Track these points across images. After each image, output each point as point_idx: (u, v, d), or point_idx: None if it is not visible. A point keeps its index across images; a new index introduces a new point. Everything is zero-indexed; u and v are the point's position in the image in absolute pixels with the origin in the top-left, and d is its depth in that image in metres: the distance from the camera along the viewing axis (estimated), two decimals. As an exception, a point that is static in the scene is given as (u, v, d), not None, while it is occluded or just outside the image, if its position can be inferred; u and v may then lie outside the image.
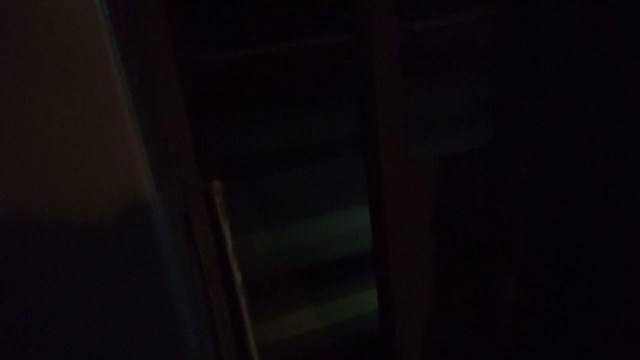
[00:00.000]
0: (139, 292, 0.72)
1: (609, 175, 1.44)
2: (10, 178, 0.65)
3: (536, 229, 1.71)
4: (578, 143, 1.51)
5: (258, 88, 4.08)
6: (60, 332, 0.71)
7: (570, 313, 1.70)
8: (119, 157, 0.67)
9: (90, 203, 0.68)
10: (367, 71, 1.37)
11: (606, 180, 1.45)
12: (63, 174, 0.67)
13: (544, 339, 1.83)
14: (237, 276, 1.02)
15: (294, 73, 4.14)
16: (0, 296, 0.69)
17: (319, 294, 2.50)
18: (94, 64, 0.63)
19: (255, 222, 2.96)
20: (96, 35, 0.62)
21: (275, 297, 2.51)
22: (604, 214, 1.48)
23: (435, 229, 1.60)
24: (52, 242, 0.68)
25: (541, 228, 1.70)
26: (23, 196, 0.65)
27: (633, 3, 1.25)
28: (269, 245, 2.79)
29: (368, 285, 2.50)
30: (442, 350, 1.78)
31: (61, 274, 0.69)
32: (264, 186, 3.40)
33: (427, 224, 1.58)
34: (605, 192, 1.47)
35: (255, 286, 2.53)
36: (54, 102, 0.63)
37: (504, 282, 1.77)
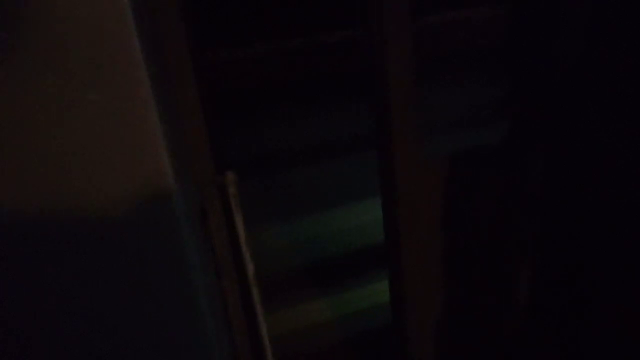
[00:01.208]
0: (160, 283, 0.72)
1: (622, 175, 1.42)
2: (29, 170, 0.65)
3: (548, 227, 1.69)
4: (592, 142, 1.49)
5: (266, 87, 4.09)
6: (79, 321, 0.71)
7: (580, 311, 1.69)
8: (142, 148, 0.66)
9: (111, 194, 0.67)
10: (380, 69, 1.36)
11: (619, 180, 1.43)
12: (85, 165, 0.66)
13: (554, 334, 1.81)
14: (250, 267, 1.02)
15: (303, 71, 4.14)
16: (14, 285, 0.69)
17: (330, 286, 2.50)
18: (119, 55, 0.62)
19: (267, 217, 2.97)
20: (122, 26, 0.61)
21: (287, 288, 2.51)
22: (618, 214, 1.46)
23: (447, 225, 1.59)
24: (72, 234, 0.68)
25: (553, 226, 1.68)
26: (43, 188, 0.65)
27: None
28: (281, 239, 2.79)
29: (379, 277, 2.50)
30: (453, 343, 1.76)
31: (81, 263, 0.69)
32: (275, 183, 3.41)
33: (439, 220, 1.57)
34: (616, 192, 1.44)
35: (269, 278, 2.53)
36: (76, 92, 0.62)
37: (515, 277, 1.75)
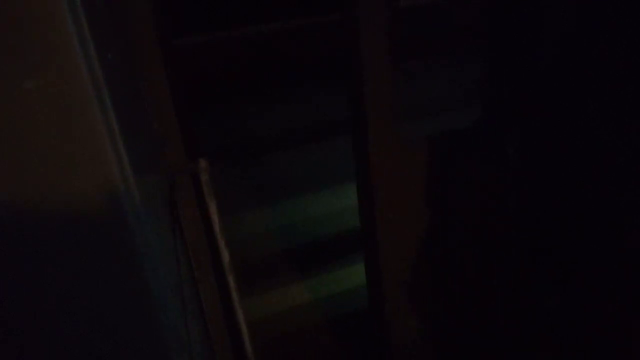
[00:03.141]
0: (111, 279, 0.66)
1: (621, 172, 1.39)
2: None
3: (524, 207, 1.67)
4: (590, 138, 1.45)
5: (239, 73, 4.02)
6: (32, 324, 0.66)
7: (562, 294, 1.67)
8: (83, 139, 0.60)
9: (53, 189, 0.61)
10: (355, 52, 1.32)
11: (617, 177, 1.40)
12: (22, 160, 0.60)
13: (533, 313, 1.81)
14: (225, 255, 0.98)
15: (278, 57, 4.06)
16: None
17: (308, 270, 2.48)
18: (53, 38, 0.56)
19: (243, 204, 2.94)
20: (55, 5, 0.55)
21: (265, 273, 2.49)
22: (617, 211, 1.43)
23: (424, 208, 1.56)
24: (12, 234, 0.62)
25: (529, 207, 1.66)
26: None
27: None
28: (258, 225, 2.77)
29: (356, 261, 2.49)
30: (429, 324, 1.75)
31: (25, 264, 0.63)
32: (251, 169, 3.38)
33: (415, 203, 1.54)
34: (615, 189, 1.41)
35: (246, 264, 2.51)
36: (12, 83, 0.56)
37: (493, 258, 1.74)
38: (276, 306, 2.28)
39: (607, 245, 1.45)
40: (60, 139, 0.59)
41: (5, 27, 0.55)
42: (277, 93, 4.19)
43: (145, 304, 0.67)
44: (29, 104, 0.56)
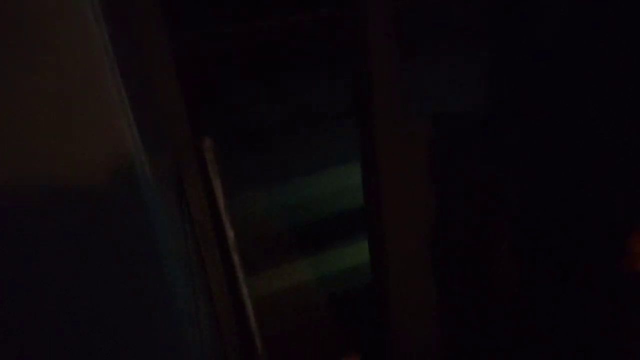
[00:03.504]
0: (124, 254, 0.66)
1: (621, 172, 1.39)
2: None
3: (524, 207, 1.68)
4: (566, 126, 1.46)
5: (245, 57, 4.06)
6: (43, 301, 0.66)
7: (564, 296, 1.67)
8: (99, 114, 0.60)
9: (69, 164, 0.61)
10: (360, 38, 1.33)
11: (618, 177, 1.40)
12: (38, 136, 0.59)
13: (537, 301, 1.81)
14: (230, 233, 0.98)
15: (282, 41, 4.11)
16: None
17: (311, 249, 2.50)
18: (70, 16, 0.57)
19: (249, 183, 2.96)
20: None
21: (269, 251, 2.50)
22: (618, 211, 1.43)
23: (423, 207, 1.56)
24: (27, 211, 0.61)
25: (529, 207, 1.67)
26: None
27: None
28: (258, 205, 2.79)
29: (359, 239, 2.49)
30: (433, 302, 1.75)
31: (40, 240, 0.63)
32: (256, 150, 3.41)
33: (414, 202, 1.55)
34: (615, 189, 1.42)
35: (251, 242, 2.51)
36: (25, 56, 0.57)
37: (496, 241, 1.74)
38: (274, 285, 2.28)
39: (607, 245, 1.45)
40: (68, 120, 0.59)
41: (6, 26, 0.56)
42: (280, 75, 4.24)
43: (159, 278, 0.68)
44: (42, 83, 0.57)
